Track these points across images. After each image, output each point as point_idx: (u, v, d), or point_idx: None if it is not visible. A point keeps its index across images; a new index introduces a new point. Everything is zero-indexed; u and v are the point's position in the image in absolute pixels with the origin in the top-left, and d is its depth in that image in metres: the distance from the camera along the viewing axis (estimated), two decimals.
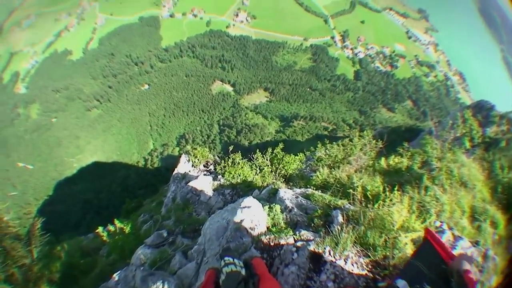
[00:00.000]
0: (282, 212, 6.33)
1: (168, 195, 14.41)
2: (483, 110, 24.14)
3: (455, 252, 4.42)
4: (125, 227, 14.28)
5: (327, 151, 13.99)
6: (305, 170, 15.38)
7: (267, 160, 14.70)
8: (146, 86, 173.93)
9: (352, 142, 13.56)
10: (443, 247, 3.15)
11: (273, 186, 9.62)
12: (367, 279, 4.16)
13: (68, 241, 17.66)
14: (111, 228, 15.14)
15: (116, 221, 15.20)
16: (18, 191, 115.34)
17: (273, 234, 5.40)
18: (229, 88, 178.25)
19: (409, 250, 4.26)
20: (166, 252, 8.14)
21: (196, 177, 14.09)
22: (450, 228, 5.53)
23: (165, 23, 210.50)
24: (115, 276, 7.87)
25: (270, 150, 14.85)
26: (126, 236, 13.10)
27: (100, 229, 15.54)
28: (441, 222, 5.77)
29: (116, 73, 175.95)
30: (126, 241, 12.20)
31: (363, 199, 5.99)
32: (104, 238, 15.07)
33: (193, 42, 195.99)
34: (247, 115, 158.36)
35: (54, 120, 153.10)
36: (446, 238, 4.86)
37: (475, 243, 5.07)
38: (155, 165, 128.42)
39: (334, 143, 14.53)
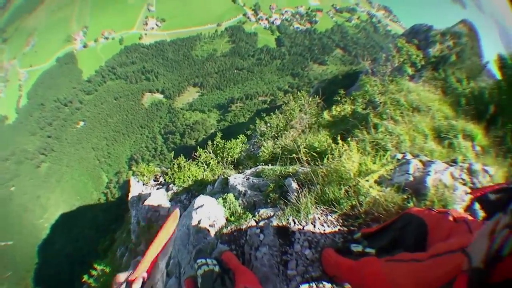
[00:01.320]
0: (236, 198, 6.13)
1: (132, 221, 14.16)
2: (419, 34, 24.34)
3: (431, 180, 4.21)
4: (105, 268, 14.05)
5: (267, 123, 13.97)
6: (251, 150, 15.58)
7: (210, 153, 14.50)
8: (82, 123, 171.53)
9: (289, 106, 13.55)
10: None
11: (223, 176, 9.42)
12: (342, 234, 4.04)
13: None
14: (94, 273, 14.91)
15: (95, 265, 14.93)
16: (11, 270, 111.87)
17: (234, 223, 5.18)
18: (159, 96, 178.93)
19: (375, 192, 4.07)
20: None
21: (149, 194, 13.85)
22: (416, 156, 5.37)
23: (81, 55, 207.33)
24: None
25: (210, 142, 14.71)
26: (109, 275, 12.92)
27: (85, 277, 15.32)
28: (403, 153, 5.65)
29: (50, 121, 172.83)
30: (111, 279, 11.93)
31: (311, 158, 5.91)
32: (93, 285, 14.95)
33: (111, 64, 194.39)
34: (184, 116, 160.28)
35: (13, 188, 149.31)
36: (413, 167, 4.67)
37: (452, 162, 4.91)
38: (116, 196, 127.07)
39: (273, 113, 14.50)
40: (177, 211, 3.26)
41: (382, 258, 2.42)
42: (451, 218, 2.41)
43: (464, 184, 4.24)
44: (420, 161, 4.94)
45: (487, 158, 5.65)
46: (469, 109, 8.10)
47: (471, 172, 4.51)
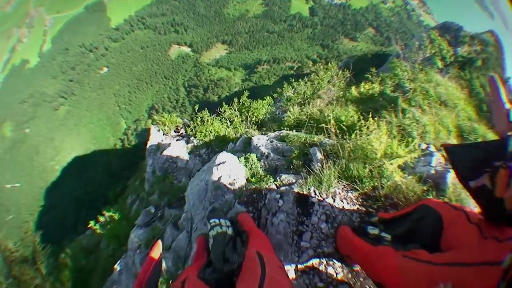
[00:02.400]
0: (259, 160, 6.19)
1: (147, 170, 14.16)
2: (450, 31, 23.77)
3: (451, 176, 4.17)
4: (113, 214, 14.06)
5: (294, 89, 13.89)
6: (276, 113, 15.31)
7: (235, 110, 14.44)
8: (105, 69, 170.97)
9: (318, 76, 13.46)
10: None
11: (246, 135, 9.47)
12: (360, 214, 4.05)
13: (70, 245, 17.47)
14: (101, 219, 14.94)
15: (104, 211, 14.93)
16: (13, 213, 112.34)
17: (254, 184, 5.22)
18: (186, 49, 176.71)
19: (398, 177, 4.12)
20: (157, 228, 7.98)
21: (169, 144, 13.90)
22: (439, 150, 5.27)
23: (110, 4, 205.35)
24: (117, 267, 7.77)
25: (236, 100, 14.57)
26: (118, 223, 12.88)
27: (92, 223, 15.30)
28: (426, 144, 5.62)
29: (73, 65, 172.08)
30: (118, 227, 11.99)
31: (339, 131, 5.82)
32: (98, 231, 14.95)
33: (141, 14, 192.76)
34: (210, 71, 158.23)
35: (27, 130, 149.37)
36: (436, 160, 4.67)
37: None
38: (132, 143, 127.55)
39: (301, 80, 14.32)
40: (159, 242, 3.28)
41: (399, 251, 2.46)
42: (465, 217, 2.45)
43: None
44: (443, 155, 4.92)
45: None
46: (491, 117, 8.00)
47: None
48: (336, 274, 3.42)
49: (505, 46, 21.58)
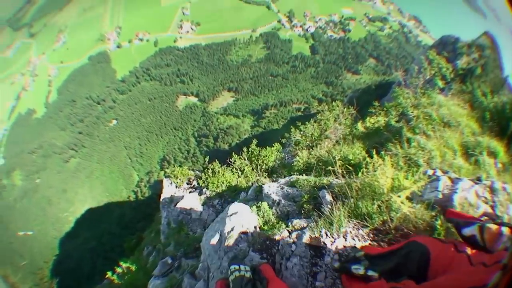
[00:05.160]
0: (270, 207, 6.20)
1: (162, 222, 14.23)
2: (447, 45, 24.35)
3: (458, 198, 4.26)
4: (131, 266, 14.05)
5: (302, 132, 13.88)
6: (286, 158, 15.30)
7: (245, 159, 14.53)
8: (114, 122, 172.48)
9: (324, 116, 13.50)
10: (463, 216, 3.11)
11: (257, 183, 9.50)
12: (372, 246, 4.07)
13: None
14: (118, 270, 14.92)
15: (121, 262, 14.95)
16: (27, 259, 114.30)
17: (267, 232, 5.29)
18: (194, 99, 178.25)
19: (406, 208, 4.11)
20: (175, 278, 8.01)
21: (182, 197, 13.94)
22: (445, 173, 5.38)
23: (115, 55, 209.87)
24: None
25: (245, 149, 14.72)
26: (135, 273, 12.90)
27: (109, 273, 15.32)
28: (433, 169, 5.63)
29: (82, 117, 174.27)
30: (136, 278, 12.01)
31: (347, 170, 5.83)
32: (116, 281, 14.91)
33: (146, 65, 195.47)
34: (218, 120, 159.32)
35: (38, 181, 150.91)
36: (443, 184, 4.71)
37: (477, 180, 4.88)
38: (146, 195, 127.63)
39: (307, 122, 14.28)
40: None
41: (389, 284, 2.53)
42: (453, 249, 2.53)
43: (486, 203, 4.29)
44: (449, 178, 4.97)
45: (507, 176, 5.68)
46: (494, 125, 8.04)
47: (492, 190, 4.54)
48: None
49: (500, 43, 21.64)
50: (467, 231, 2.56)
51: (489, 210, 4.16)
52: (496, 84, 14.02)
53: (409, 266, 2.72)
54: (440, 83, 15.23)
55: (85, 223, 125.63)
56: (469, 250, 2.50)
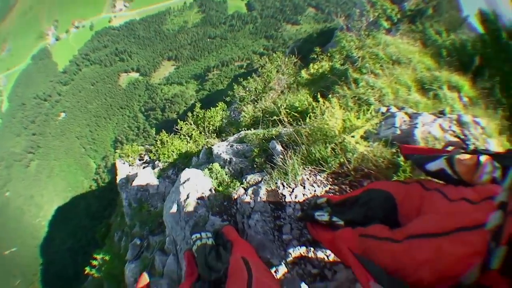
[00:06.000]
0: (222, 167, 6.13)
1: (124, 204, 14.11)
2: None
3: (419, 132, 4.18)
4: (104, 256, 13.92)
5: (246, 88, 13.91)
6: (233, 116, 15.39)
7: (191, 124, 14.38)
8: (63, 115, 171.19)
9: (266, 69, 13.46)
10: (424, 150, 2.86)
11: (207, 146, 9.47)
12: (335, 192, 4.01)
13: None
14: (94, 263, 14.79)
15: (95, 255, 14.80)
16: (19, 277, 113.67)
17: (223, 192, 5.18)
18: (135, 75, 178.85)
19: (362, 148, 4.04)
20: (147, 258, 7.87)
21: (136, 174, 13.83)
22: (401, 108, 5.32)
23: (55, 49, 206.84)
24: None
25: (190, 113, 14.54)
26: (110, 262, 12.65)
27: (87, 269, 15.19)
28: (387, 106, 5.59)
29: (32, 118, 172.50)
30: (112, 266, 11.83)
31: (295, 118, 5.87)
32: (96, 275, 14.85)
33: (85, 51, 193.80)
34: (163, 91, 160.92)
35: (7, 193, 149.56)
36: (399, 120, 4.66)
37: (440, 114, 4.80)
38: (106, 180, 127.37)
39: (250, 77, 14.31)
40: (143, 275, 3.28)
41: (356, 231, 2.36)
42: (420, 187, 2.28)
43: (456, 136, 4.18)
44: (406, 113, 4.91)
45: (476, 110, 5.60)
46: (452, 61, 8.05)
47: (461, 123, 4.45)
48: (327, 256, 3.34)
49: None
50: (432, 166, 2.29)
51: (453, 139, 4.05)
52: (453, 24, 14.10)
53: (373, 214, 2.51)
54: (386, 24, 15.32)
55: (57, 224, 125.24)
56: (440, 186, 2.19)
